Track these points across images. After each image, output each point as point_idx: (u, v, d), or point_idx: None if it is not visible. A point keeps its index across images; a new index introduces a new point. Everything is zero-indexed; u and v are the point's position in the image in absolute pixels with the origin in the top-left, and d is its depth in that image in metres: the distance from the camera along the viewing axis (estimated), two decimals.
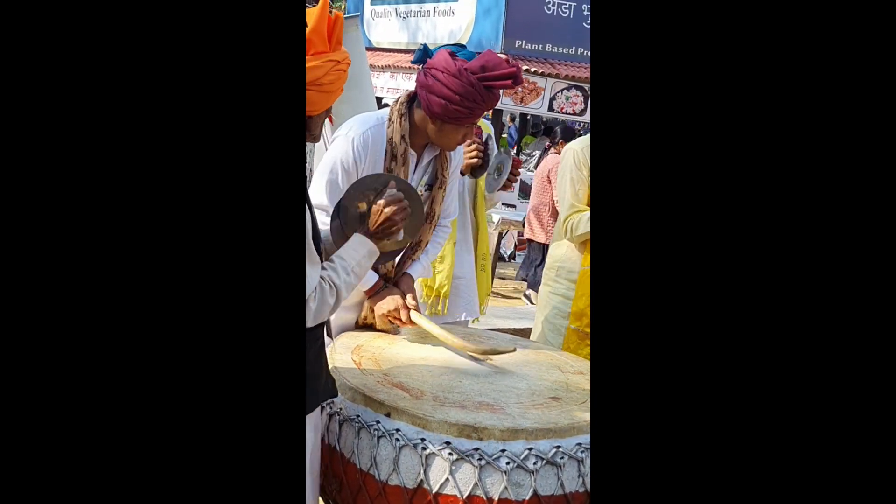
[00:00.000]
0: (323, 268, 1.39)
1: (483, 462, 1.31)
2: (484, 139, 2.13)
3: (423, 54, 1.78)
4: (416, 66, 1.81)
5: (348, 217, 1.53)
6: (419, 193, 1.68)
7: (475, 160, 2.05)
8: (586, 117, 6.85)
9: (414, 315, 1.73)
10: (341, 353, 1.65)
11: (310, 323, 1.33)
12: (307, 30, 1.27)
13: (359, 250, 1.47)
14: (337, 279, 1.41)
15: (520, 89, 6.67)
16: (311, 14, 1.31)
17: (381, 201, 1.48)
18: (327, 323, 1.51)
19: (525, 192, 6.82)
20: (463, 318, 2.29)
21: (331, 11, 1.33)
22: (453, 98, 1.60)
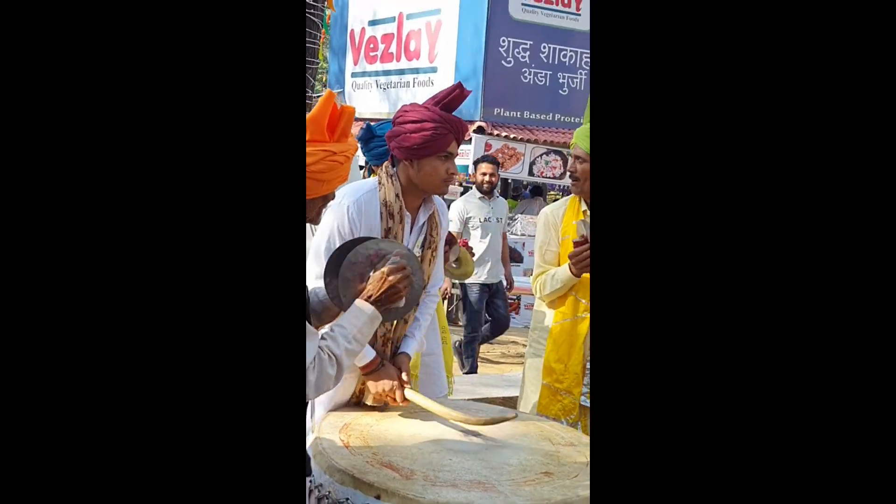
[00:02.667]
0: (322, 337, 1.37)
1: None
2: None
3: (367, 132, 1.88)
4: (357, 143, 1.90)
5: (349, 285, 1.53)
6: (417, 256, 1.72)
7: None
8: (566, 180, 7.07)
9: (409, 393, 1.73)
10: (329, 432, 1.64)
11: (311, 396, 1.31)
12: (307, 116, 1.30)
13: (360, 317, 1.45)
14: (337, 349, 1.39)
15: (500, 155, 6.96)
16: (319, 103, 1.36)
17: (384, 269, 1.48)
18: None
19: (511, 256, 6.90)
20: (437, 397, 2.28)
21: (338, 104, 1.35)
22: (422, 126, 1.68)
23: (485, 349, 5.73)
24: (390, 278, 1.47)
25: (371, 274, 1.52)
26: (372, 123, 1.91)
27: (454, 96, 1.76)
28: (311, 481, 1.50)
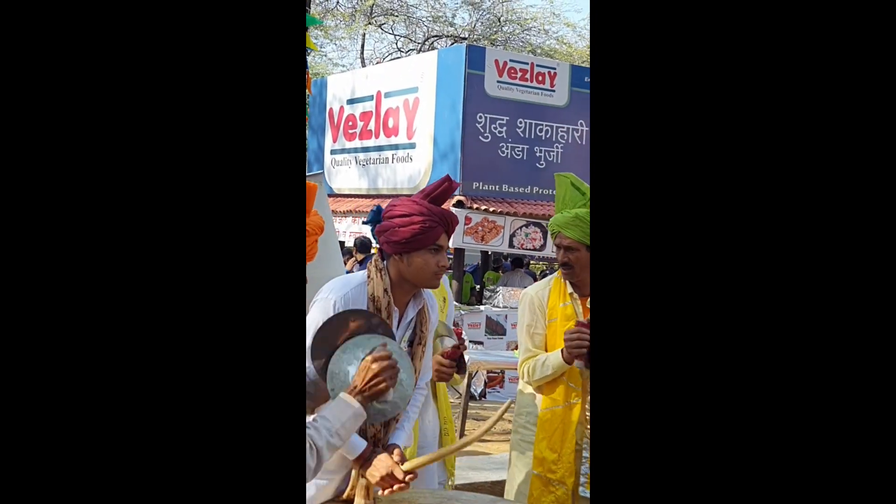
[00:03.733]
0: (306, 427, 1.34)
1: None
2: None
3: (376, 215, 1.88)
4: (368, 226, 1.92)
5: (334, 377, 1.52)
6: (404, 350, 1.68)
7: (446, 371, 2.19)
8: (546, 251, 7.22)
9: (407, 465, 1.67)
10: None
11: None
12: None
13: (345, 412, 1.44)
14: (319, 440, 1.37)
15: (480, 228, 7.09)
16: None
17: (368, 358, 1.48)
18: None
19: (491, 328, 6.96)
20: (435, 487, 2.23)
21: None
22: (411, 220, 1.69)
23: (469, 426, 5.65)
24: (373, 366, 1.46)
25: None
26: (382, 206, 1.91)
27: (443, 189, 1.78)
28: None
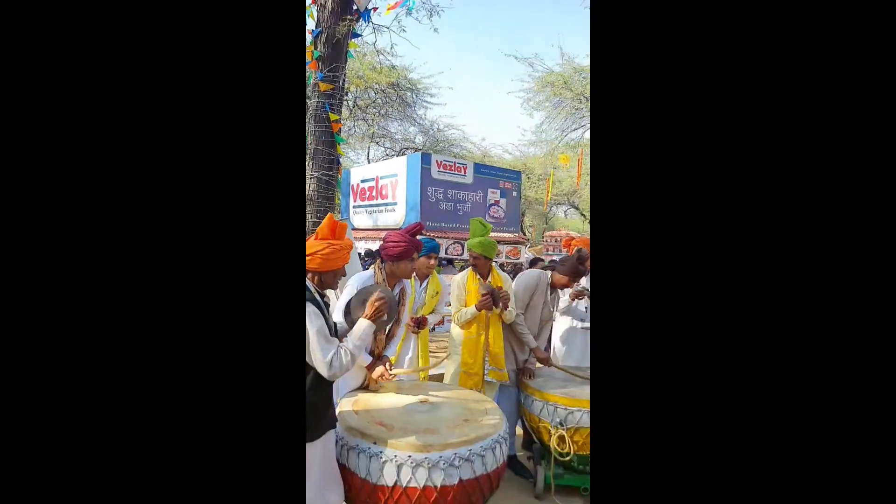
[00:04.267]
0: (340, 344, 1.81)
1: (430, 465, 1.76)
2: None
3: (384, 241, 2.48)
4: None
5: (354, 311, 2.13)
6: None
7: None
8: (463, 256, 8.73)
9: (393, 371, 2.44)
10: (345, 406, 2.21)
11: (335, 375, 1.85)
12: (320, 226, 1.76)
13: (361, 327, 2.00)
14: (351, 346, 1.91)
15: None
16: (325, 222, 1.96)
17: (372, 297, 2.10)
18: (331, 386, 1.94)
19: None
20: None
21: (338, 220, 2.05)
22: (398, 244, 2.47)
23: (432, 347, 6.89)
24: (376, 302, 2.07)
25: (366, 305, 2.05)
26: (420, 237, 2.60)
27: (417, 228, 2.53)
28: (336, 434, 1.98)
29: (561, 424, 2.96)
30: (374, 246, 8.62)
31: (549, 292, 3.51)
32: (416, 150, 18.99)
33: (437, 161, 9.36)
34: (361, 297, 2.30)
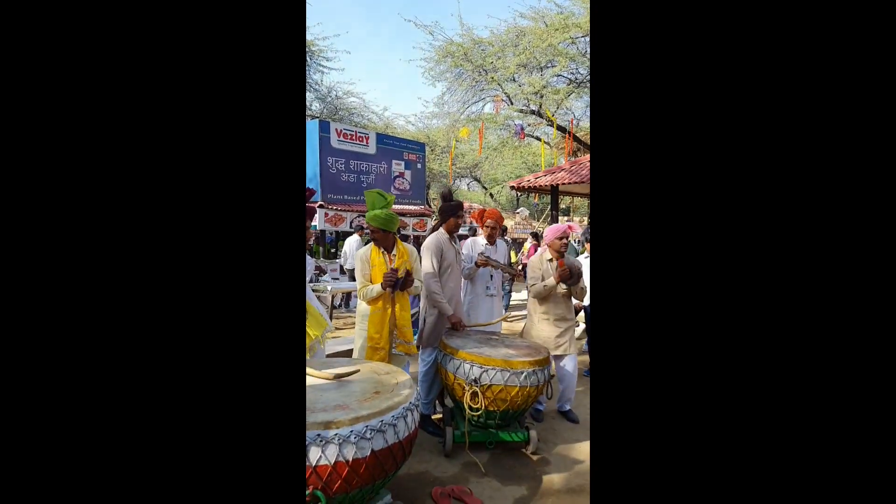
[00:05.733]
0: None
1: (340, 441, 1.72)
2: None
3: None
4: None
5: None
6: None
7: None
8: (366, 231, 8.10)
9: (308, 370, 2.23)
10: None
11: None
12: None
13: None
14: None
15: (334, 218, 8.85)
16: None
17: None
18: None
19: (341, 270, 8.83)
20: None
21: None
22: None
23: (338, 325, 7.21)
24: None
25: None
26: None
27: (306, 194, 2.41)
28: None
29: (475, 382, 3.03)
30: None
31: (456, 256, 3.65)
32: (314, 117, 17.80)
33: (336, 129, 9.12)
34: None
